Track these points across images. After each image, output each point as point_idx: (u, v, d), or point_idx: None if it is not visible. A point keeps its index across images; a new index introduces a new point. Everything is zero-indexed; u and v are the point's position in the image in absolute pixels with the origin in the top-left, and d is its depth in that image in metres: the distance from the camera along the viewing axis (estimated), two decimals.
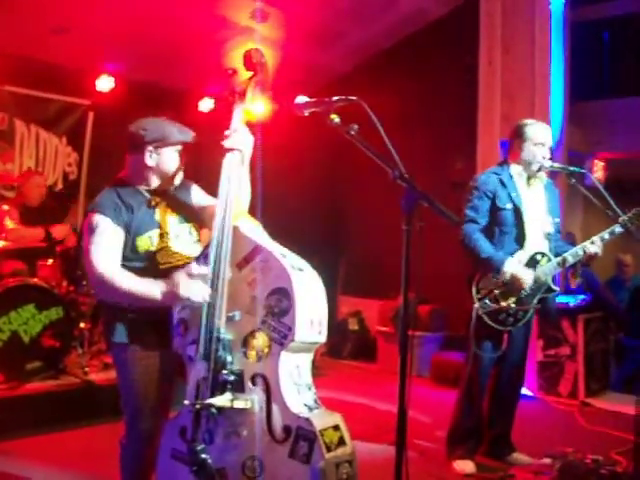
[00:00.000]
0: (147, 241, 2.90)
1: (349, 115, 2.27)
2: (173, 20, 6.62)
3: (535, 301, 4.12)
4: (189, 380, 2.74)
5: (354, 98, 2.15)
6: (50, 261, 5.70)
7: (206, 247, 2.81)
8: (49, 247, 5.70)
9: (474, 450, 4.28)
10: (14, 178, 6.77)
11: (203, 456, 2.57)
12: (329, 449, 2.47)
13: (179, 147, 2.97)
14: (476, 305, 4.05)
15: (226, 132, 2.82)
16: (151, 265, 2.89)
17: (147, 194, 2.98)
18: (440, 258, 5.15)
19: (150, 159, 2.93)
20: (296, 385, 2.61)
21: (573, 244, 4.30)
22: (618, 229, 4.05)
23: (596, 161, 8.90)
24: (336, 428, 2.57)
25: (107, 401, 5.11)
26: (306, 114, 2.34)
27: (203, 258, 2.78)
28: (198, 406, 2.59)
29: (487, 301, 4.06)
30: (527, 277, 4.02)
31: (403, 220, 2.00)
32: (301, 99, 2.32)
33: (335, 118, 2.20)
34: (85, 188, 7.64)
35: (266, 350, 2.56)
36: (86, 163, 7.66)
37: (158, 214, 2.97)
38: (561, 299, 6.24)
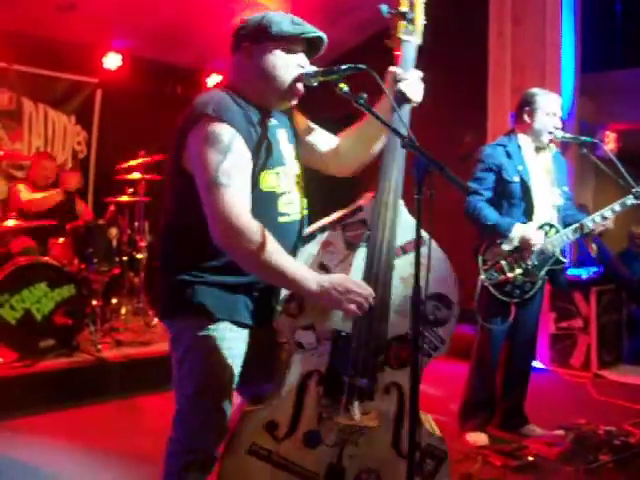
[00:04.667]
0: (274, 179, 2.27)
1: (358, 88, 2.24)
2: None
3: (543, 273, 4.09)
4: (288, 373, 2.34)
5: (363, 66, 2.12)
6: (61, 239, 5.72)
7: (349, 213, 2.34)
8: (60, 224, 5.74)
9: (487, 422, 4.28)
10: (25, 157, 6.79)
11: None
12: None
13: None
14: (482, 276, 4.03)
15: (394, 69, 2.36)
16: (271, 213, 2.27)
17: (265, 113, 2.32)
18: (452, 230, 5.09)
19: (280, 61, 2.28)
20: None
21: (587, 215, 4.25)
22: (630, 200, 4.00)
23: (607, 132, 8.83)
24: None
25: (119, 378, 5.18)
26: (314, 84, 2.31)
27: (342, 228, 2.32)
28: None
29: (493, 272, 4.04)
30: (537, 236, 3.98)
31: (415, 189, 1.98)
32: (309, 69, 2.29)
33: (344, 87, 2.17)
34: (95, 167, 7.64)
35: (410, 359, 2.18)
36: (95, 141, 7.66)
37: (282, 144, 2.36)
38: (573, 271, 6.22)
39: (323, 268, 2.30)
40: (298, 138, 2.50)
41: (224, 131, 2.11)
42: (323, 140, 2.55)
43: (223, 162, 2.08)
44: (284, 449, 2.34)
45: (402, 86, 2.34)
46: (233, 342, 2.30)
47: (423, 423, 2.27)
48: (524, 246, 3.98)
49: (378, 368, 2.28)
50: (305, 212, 2.45)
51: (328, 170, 2.59)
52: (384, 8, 2.45)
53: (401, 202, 2.30)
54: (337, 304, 2.15)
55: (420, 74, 2.41)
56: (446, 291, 2.24)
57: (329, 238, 2.31)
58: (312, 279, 2.14)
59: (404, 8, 2.46)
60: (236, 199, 2.09)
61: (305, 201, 2.46)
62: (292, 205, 2.34)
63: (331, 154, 2.53)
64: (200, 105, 2.17)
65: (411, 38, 2.45)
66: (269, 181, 2.25)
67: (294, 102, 2.37)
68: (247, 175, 2.16)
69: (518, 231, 3.97)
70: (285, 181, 2.31)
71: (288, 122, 2.47)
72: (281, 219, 2.29)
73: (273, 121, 2.35)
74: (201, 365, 2.29)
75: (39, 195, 5.97)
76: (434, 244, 2.23)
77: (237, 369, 2.33)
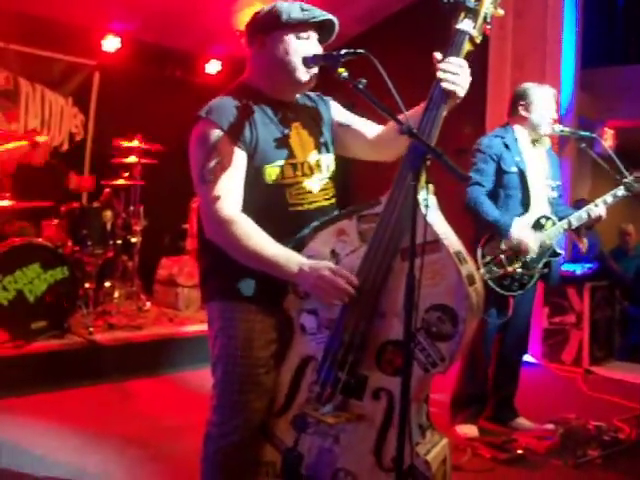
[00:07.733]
0: (278, 172, 2.30)
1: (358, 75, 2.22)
2: None
3: (541, 265, 4.09)
4: (290, 351, 2.36)
5: (362, 51, 2.10)
6: (55, 221, 5.70)
7: (367, 205, 2.25)
8: (55, 206, 5.69)
9: (477, 415, 4.28)
10: (19, 137, 6.71)
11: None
12: None
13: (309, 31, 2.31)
14: (481, 270, 4.02)
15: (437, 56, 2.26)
16: (279, 204, 2.32)
17: (277, 106, 2.37)
18: (450, 222, 5.10)
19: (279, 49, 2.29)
20: (418, 402, 2.23)
21: None
22: (621, 192, 4.04)
23: (606, 129, 8.82)
24: (444, 462, 2.25)
25: (111, 361, 5.18)
26: (314, 68, 2.29)
27: (357, 219, 2.26)
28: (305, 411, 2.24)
29: (493, 266, 4.03)
30: (533, 243, 3.99)
31: (412, 177, 1.96)
32: (309, 53, 2.27)
33: (343, 72, 2.15)
34: (91, 149, 7.59)
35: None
36: (92, 124, 7.61)
37: (292, 136, 2.37)
38: (568, 267, 6.23)
39: (334, 255, 2.28)
40: (334, 128, 2.53)
41: (211, 132, 2.23)
42: (364, 129, 2.55)
43: (208, 161, 2.21)
44: (276, 426, 2.37)
45: (440, 73, 2.22)
46: (259, 325, 2.33)
47: (414, 442, 2.08)
48: (521, 250, 3.99)
49: (356, 365, 2.21)
50: (329, 201, 2.46)
51: (370, 157, 2.60)
52: None
53: (433, 200, 2.19)
54: (313, 289, 2.19)
55: (465, 63, 2.26)
56: (453, 304, 2.05)
57: (344, 227, 2.28)
58: (294, 262, 2.18)
59: None
60: (219, 194, 2.20)
61: (331, 189, 2.48)
62: (306, 195, 2.36)
63: (373, 142, 2.53)
64: (202, 108, 2.28)
65: (468, 29, 2.32)
66: (273, 174, 2.29)
67: (306, 87, 2.38)
68: (234, 172, 2.23)
69: (516, 233, 3.96)
70: (294, 173, 2.33)
71: (318, 112, 2.50)
72: (292, 209, 2.33)
73: (287, 114, 2.37)
74: (227, 349, 2.34)
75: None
76: (449, 252, 2.08)
77: (267, 352, 2.34)
